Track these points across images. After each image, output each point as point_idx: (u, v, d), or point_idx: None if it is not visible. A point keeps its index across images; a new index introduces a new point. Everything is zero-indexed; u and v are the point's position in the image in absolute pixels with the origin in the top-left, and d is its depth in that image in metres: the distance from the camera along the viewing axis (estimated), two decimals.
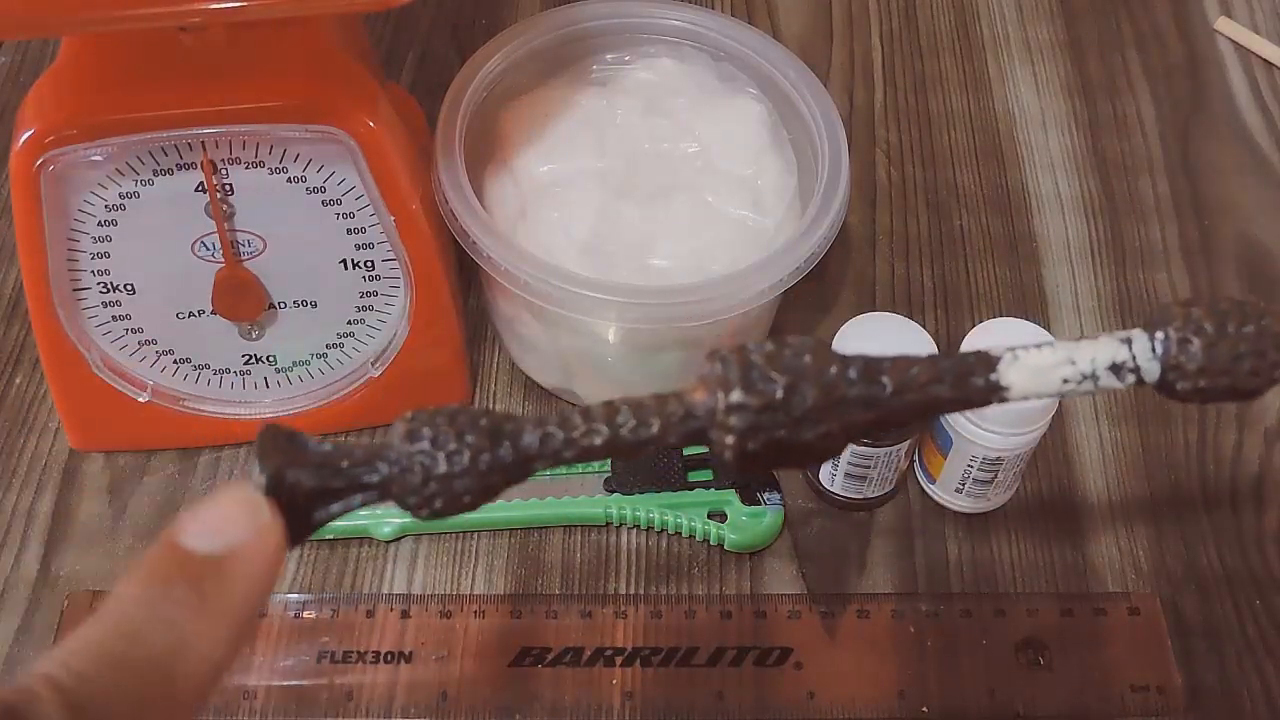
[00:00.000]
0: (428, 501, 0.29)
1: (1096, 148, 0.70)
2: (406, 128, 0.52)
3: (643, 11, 0.60)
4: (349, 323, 0.54)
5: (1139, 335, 0.31)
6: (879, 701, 0.51)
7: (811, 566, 0.55)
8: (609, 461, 0.56)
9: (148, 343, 0.54)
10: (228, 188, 0.49)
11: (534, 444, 0.30)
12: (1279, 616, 0.54)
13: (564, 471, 0.56)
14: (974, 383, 0.31)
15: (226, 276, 0.51)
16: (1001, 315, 0.62)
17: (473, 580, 0.54)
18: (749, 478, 0.56)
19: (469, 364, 0.59)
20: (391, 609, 0.53)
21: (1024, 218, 0.67)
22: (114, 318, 0.52)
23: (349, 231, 0.51)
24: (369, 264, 0.52)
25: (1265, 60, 0.74)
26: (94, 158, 0.47)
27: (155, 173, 0.48)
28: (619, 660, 0.52)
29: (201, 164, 0.48)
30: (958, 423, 0.52)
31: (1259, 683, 0.52)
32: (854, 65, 0.74)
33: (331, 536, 0.55)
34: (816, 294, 0.63)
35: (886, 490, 0.56)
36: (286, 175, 0.49)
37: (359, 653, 0.52)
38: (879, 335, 0.52)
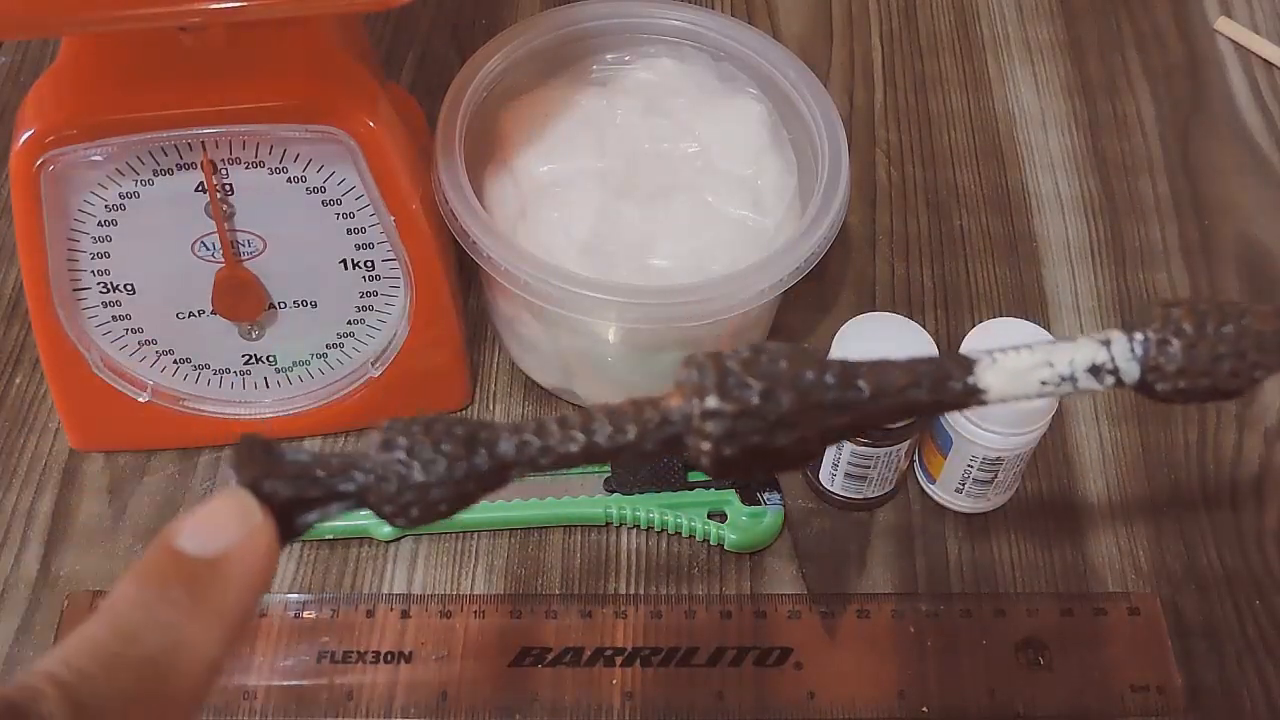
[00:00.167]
0: (404, 510, 0.29)
1: (1096, 148, 0.70)
2: (406, 128, 0.52)
3: (643, 11, 0.60)
4: (349, 323, 0.54)
5: (1118, 337, 0.31)
6: (879, 701, 0.51)
7: (811, 566, 0.55)
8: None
9: (148, 343, 0.54)
10: (228, 188, 0.49)
11: (510, 451, 0.30)
12: (1279, 616, 0.54)
13: (564, 472, 0.56)
14: (951, 386, 0.31)
15: (226, 276, 0.51)
16: (1001, 315, 0.62)
17: (472, 580, 0.54)
18: (749, 478, 0.56)
19: (469, 364, 0.59)
20: (391, 609, 0.53)
21: (1024, 218, 0.67)
22: (114, 318, 0.52)
23: (349, 231, 0.51)
24: (369, 264, 0.52)
25: (1265, 60, 0.74)
26: (94, 158, 0.47)
27: (155, 173, 0.48)
28: (619, 660, 0.52)
29: (201, 164, 0.48)
30: (958, 423, 0.52)
31: (1259, 683, 0.52)
32: (854, 65, 0.74)
33: (331, 536, 0.55)
34: (816, 294, 0.63)
35: (886, 490, 0.56)
36: (286, 175, 0.49)
37: (359, 653, 0.52)
38: (879, 335, 0.52)
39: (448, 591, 0.54)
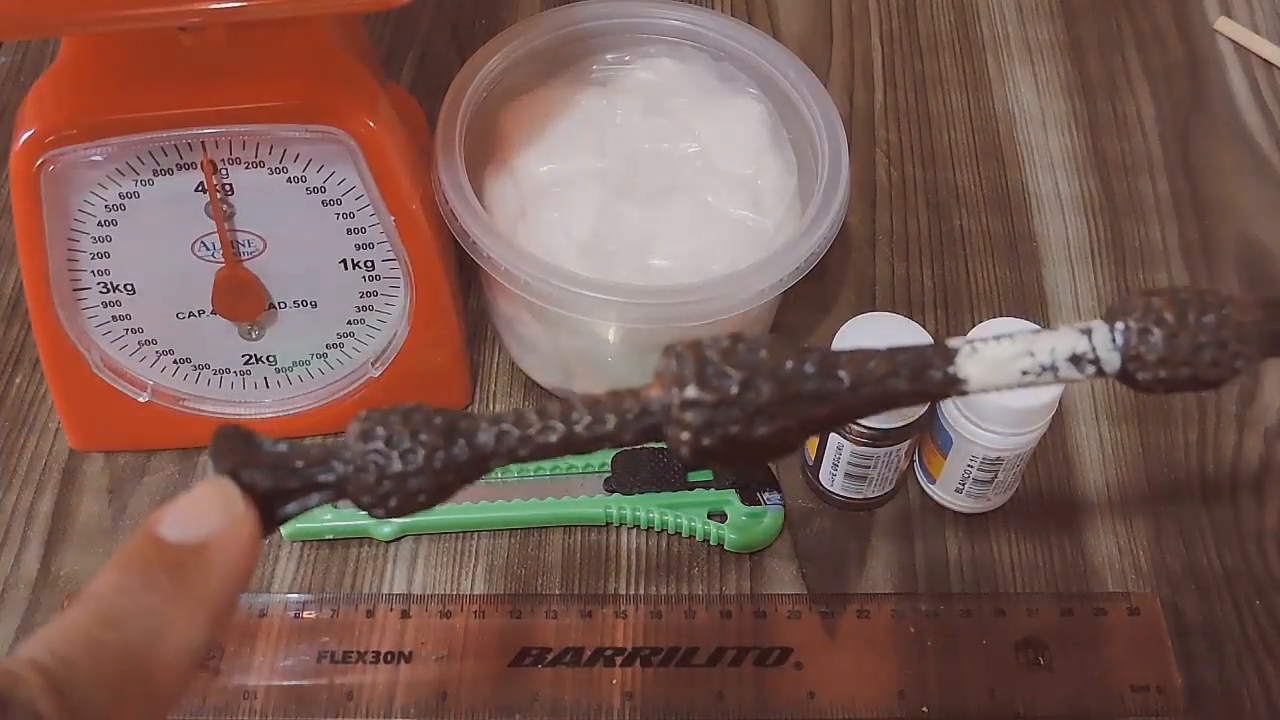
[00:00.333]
0: (382, 500, 0.29)
1: (1096, 148, 0.70)
2: (406, 128, 0.52)
3: (643, 11, 0.60)
4: (349, 323, 0.54)
5: (1099, 326, 0.31)
6: (879, 701, 0.51)
7: (811, 566, 0.55)
8: (609, 461, 0.56)
9: (148, 343, 0.54)
10: (228, 188, 0.49)
11: (489, 442, 0.30)
12: (1279, 616, 0.54)
13: (564, 471, 0.56)
14: (931, 375, 0.30)
15: (226, 276, 0.51)
16: (1001, 315, 0.61)
17: (473, 580, 0.54)
18: (749, 477, 0.56)
19: (469, 364, 0.59)
20: (391, 609, 0.53)
21: (1024, 218, 0.67)
22: (114, 318, 0.52)
23: (349, 231, 0.51)
24: (369, 264, 0.52)
25: (1265, 60, 0.74)
26: (94, 158, 0.47)
27: (155, 173, 0.48)
28: (619, 660, 0.52)
29: (201, 164, 0.48)
30: (958, 423, 0.52)
31: (1259, 683, 0.52)
32: (854, 65, 0.74)
33: (331, 536, 0.55)
34: (816, 294, 0.63)
35: (886, 490, 0.56)
36: (286, 175, 0.49)
37: (359, 653, 0.52)
38: (879, 335, 0.52)
39: (448, 591, 0.54)
